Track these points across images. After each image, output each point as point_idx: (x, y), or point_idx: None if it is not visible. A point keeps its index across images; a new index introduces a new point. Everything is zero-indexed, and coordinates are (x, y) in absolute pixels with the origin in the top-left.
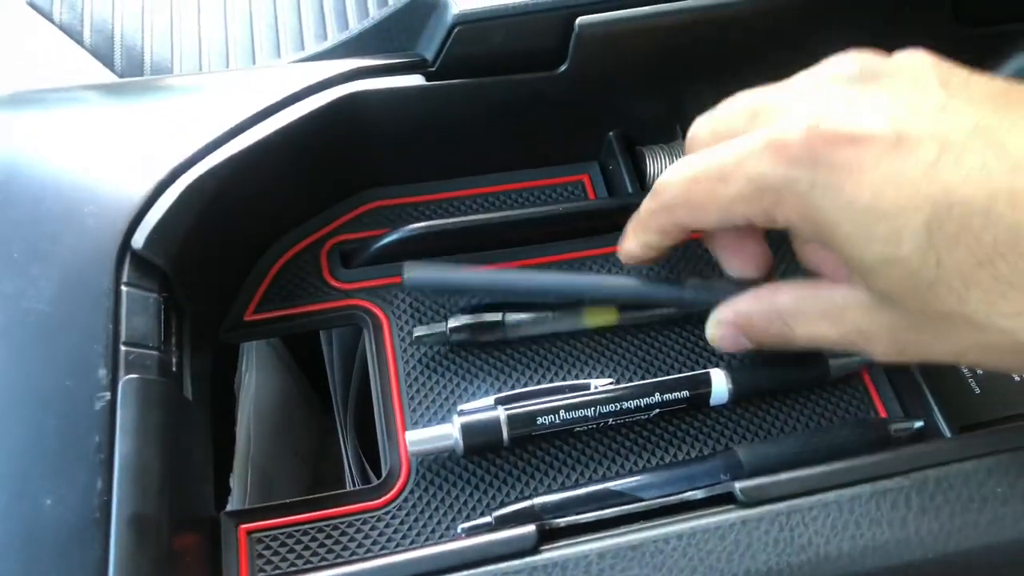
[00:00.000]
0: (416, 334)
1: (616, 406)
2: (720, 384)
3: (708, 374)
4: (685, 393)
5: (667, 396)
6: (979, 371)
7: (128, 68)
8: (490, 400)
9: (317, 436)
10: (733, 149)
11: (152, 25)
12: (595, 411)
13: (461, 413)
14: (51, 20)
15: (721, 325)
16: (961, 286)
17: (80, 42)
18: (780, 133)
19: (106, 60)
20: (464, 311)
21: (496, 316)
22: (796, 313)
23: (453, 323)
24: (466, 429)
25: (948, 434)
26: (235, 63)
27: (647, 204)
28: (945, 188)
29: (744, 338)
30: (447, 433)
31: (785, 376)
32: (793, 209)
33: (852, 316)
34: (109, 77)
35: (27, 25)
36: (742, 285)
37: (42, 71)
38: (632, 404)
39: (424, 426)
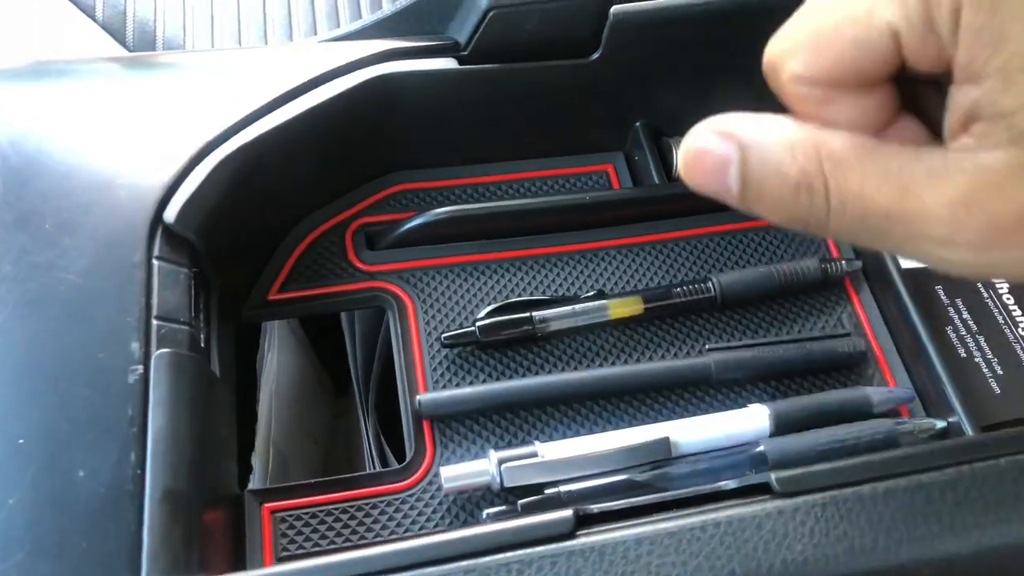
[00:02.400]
0: (445, 338)
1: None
2: (760, 420)
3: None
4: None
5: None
6: (999, 371)
7: (139, 43)
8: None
9: (329, 419)
10: None
11: (164, 1)
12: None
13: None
14: None
15: (716, 140)
16: None
17: (92, 16)
18: None
19: (118, 35)
20: (491, 313)
21: (524, 314)
22: (847, 161)
23: (482, 323)
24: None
25: (970, 433)
26: (247, 42)
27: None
28: None
29: (736, 174)
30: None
31: (827, 410)
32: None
33: (954, 181)
34: (120, 52)
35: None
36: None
37: (54, 44)
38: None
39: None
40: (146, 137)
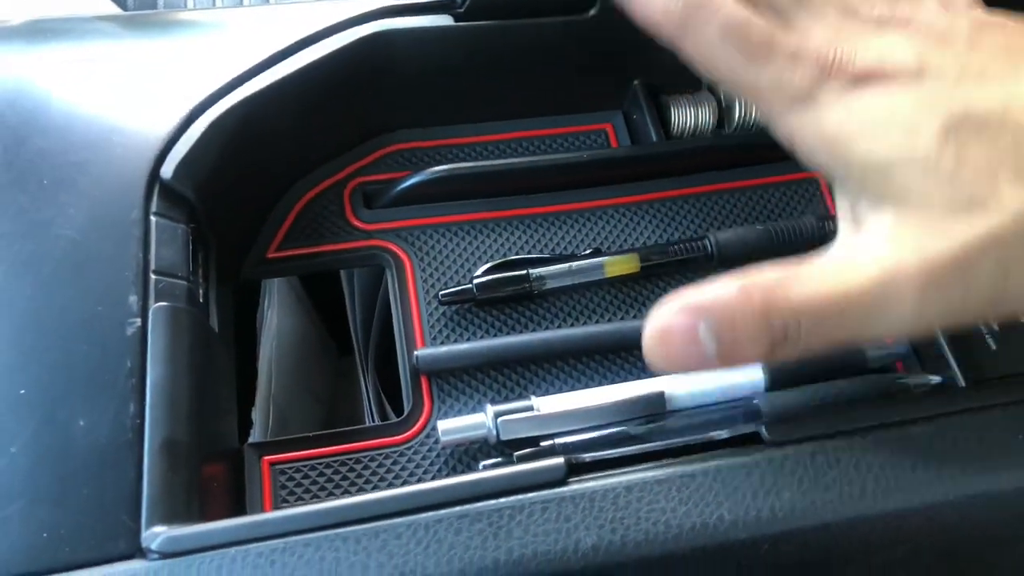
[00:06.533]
0: (442, 295)
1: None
2: (755, 374)
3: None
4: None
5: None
6: (995, 327)
7: (140, 4)
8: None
9: (332, 378)
10: (775, 43)
11: None
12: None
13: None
14: None
15: (674, 315)
16: (988, 175)
17: None
18: (814, 51)
19: None
20: (488, 271)
21: (521, 271)
22: (788, 276)
23: (479, 281)
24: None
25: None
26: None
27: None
28: (961, 102)
29: (707, 333)
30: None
31: (822, 364)
32: (804, 116)
33: (868, 254)
34: (116, 11)
35: None
36: None
37: (49, 3)
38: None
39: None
40: (142, 95)
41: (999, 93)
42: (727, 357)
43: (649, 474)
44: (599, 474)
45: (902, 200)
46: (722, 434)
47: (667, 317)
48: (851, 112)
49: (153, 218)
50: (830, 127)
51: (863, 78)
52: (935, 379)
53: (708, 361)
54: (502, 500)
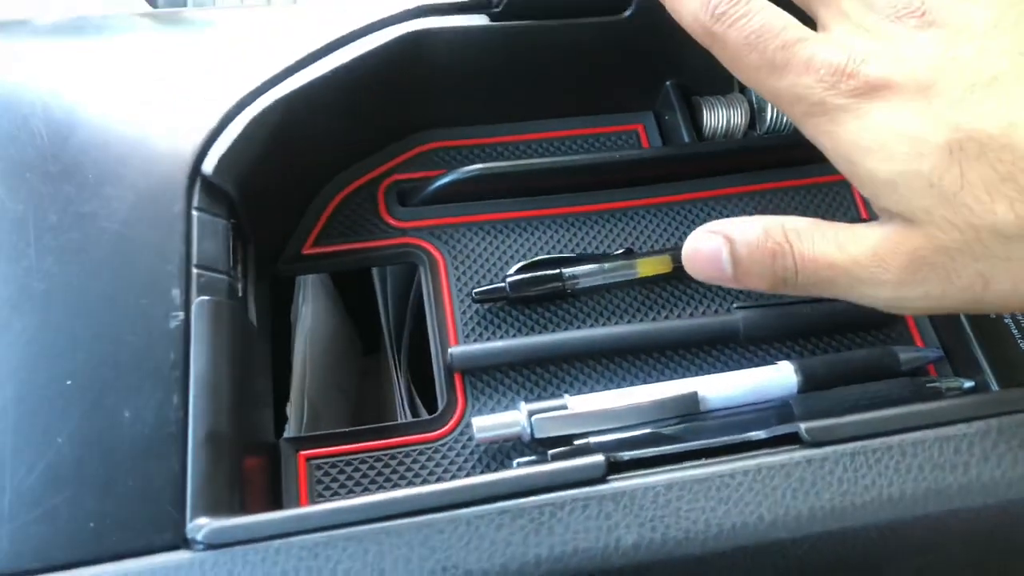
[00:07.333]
0: (476, 293)
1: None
2: (788, 376)
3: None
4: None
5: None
6: None
7: (169, 1)
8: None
9: (358, 375)
10: (791, 51)
11: None
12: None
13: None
14: None
15: (708, 237)
16: (987, 197)
17: None
18: (825, 60)
19: None
20: (521, 269)
21: (554, 271)
22: (803, 231)
23: (512, 279)
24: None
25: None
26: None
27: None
28: (966, 120)
29: (727, 258)
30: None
31: (855, 367)
32: (820, 124)
33: (869, 239)
34: (146, 8)
35: None
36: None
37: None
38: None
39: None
40: (183, 91)
41: (1004, 111)
42: (740, 280)
43: (688, 473)
44: (638, 472)
45: (906, 210)
46: (760, 434)
47: (701, 238)
48: (862, 125)
49: (195, 212)
50: (844, 138)
51: (873, 89)
52: (968, 383)
53: (727, 280)
54: (543, 497)
